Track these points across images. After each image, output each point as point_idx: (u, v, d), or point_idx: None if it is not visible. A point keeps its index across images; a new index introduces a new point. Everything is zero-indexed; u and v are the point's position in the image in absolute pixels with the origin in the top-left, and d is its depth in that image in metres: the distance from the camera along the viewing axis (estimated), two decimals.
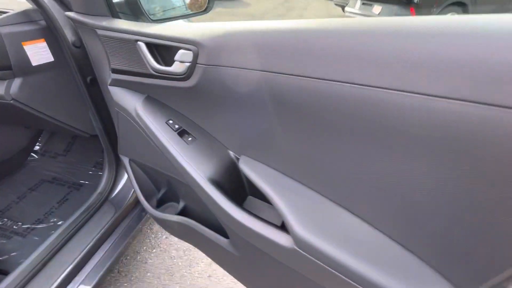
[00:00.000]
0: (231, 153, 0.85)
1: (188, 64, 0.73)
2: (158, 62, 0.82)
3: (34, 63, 1.16)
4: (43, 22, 1.14)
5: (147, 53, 0.81)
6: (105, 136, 1.30)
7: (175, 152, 0.83)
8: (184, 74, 0.75)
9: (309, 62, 0.50)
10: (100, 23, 0.91)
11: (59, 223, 1.44)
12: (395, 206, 0.49)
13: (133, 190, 1.43)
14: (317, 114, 0.53)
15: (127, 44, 0.84)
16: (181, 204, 1.10)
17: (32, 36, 1.14)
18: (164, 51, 0.82)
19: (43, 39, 1.15)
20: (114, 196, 1.42)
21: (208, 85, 0.73)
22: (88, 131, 1.38)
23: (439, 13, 5.02)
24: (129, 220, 1.41)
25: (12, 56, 1.12)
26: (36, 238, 1.38)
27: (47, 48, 1.16)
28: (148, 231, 1.77)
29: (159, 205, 1.20)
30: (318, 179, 0.64)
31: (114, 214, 1.34)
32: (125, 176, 1.44)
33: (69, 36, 1.09)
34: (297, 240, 0.60)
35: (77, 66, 1.12)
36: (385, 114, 0.42)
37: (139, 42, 0.81)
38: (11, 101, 1.18)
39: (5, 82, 1.17)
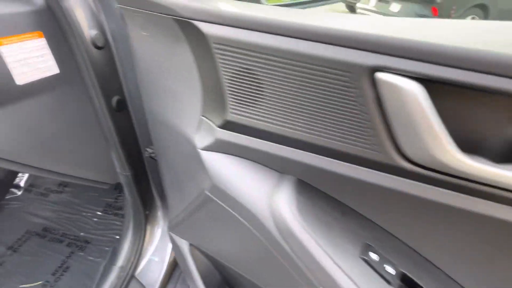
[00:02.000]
0: None
1: None
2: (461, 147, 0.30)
3: (20, 81, 0.61)
4: (39, 1, 0.63)
5: (433, 121, 0.29)
6: (134, 188, 0.83)
7: None
8: None
9: None
10: (210, 11, 0.40)
11: None
12: None
13: (166, 262, 0.96)
14: None
15: (324, 80, 0.34)
16: None
17: (17, 26, 0.59)
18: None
19: (39, 33, 0.62)
20: (141, 272, 0.95)
21: None
22: (107, 179, 0.88)
23: (462, 14, 4.74)
24: None
25: None
26: None
27: (48, 50, 0.64)
28: None
29: None
30: None
31: None
32: (154, 244, 0.96)
33: (85, 28, 0.61)
34: None
35: (97, 80, 0.65)
36: None
37: (384, 76, 0.31)
38: None
39: None
